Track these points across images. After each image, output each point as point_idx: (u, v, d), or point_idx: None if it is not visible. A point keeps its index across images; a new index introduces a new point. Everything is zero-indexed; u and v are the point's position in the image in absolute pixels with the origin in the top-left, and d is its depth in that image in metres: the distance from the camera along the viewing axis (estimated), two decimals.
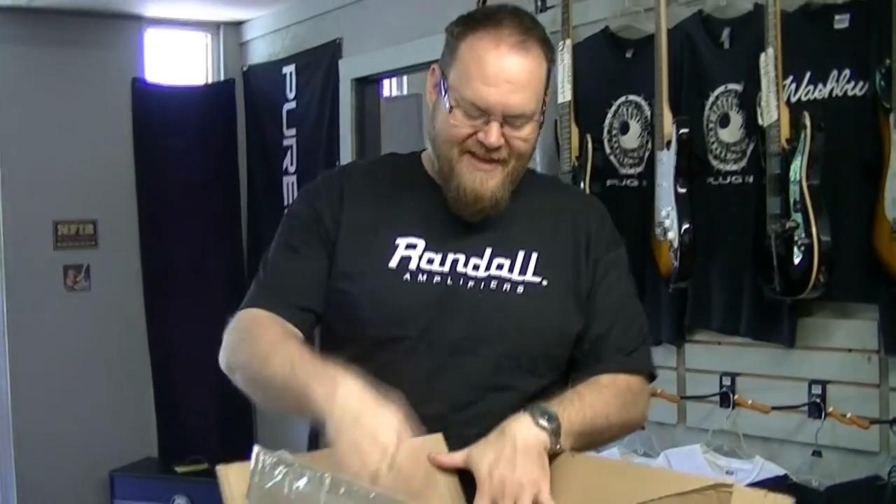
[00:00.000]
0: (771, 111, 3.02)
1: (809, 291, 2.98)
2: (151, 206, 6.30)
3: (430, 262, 2.09)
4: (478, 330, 2.07)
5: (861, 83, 3.01)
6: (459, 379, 2.06)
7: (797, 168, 2.96)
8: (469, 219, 2.10)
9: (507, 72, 1.99)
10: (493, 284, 2.09)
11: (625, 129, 3.77)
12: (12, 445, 5.84)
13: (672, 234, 3.36)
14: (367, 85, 5.62)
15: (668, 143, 3.39)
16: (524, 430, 1.89)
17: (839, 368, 3.17)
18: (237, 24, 6.61)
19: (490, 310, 2.08)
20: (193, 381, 6.33)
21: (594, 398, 2.02)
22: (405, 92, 7.04)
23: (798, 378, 3.26)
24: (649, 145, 3.62)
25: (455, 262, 2.09)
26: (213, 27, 6.63)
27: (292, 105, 6.04)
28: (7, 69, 5.86)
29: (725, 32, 3.44)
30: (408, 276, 2.08)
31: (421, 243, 2.10)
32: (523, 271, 2.11)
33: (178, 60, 6.67)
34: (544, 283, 2.12)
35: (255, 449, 1.67)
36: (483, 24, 2.03)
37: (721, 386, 3.48)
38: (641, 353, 2.22)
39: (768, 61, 3.02)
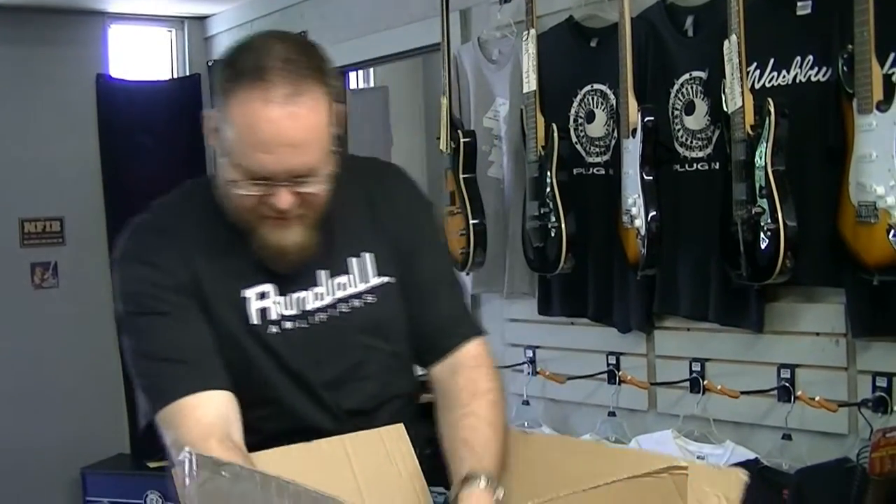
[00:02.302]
0: (735, 98, 3.03)
1: (776, 276, 3.00)
2: (118, 201, 6.26)
3: (281, 305, 2.00)
4: (352, 358, 2.04)
5: (824, 69, 3.03)
6: (351, 406, 2.04)
7: (762, 154, 2.97)
8: (282, 271, 1.98)
9: (282, 135, 1.82)
10: (345, 308, 2.04)
11: (590, 117, 3.78)
12: None
13: (639, 222, 3.37)
14: None
15: (634, 131, 3.39)
16: None
17: (807, 352, 3.19)
18: (201, 19, 6.58)
19: (354, 333, 2.04)
20: None
21: (500, 425, 1.98)
22: (372, 84, 7.03)
23: (767, 363, 3.28)
24: (615, 134, 3.63)
25: (300, 300, 2.02)
26: (178, 22, 6.61)
27: None
28: None
29: (689, 20, 3.45)
30: (275, 328, 1.99)
31: (269, 289, 2.00)
32: (365, 278, 2.06)
33: (142, 56, 6.64)
34: (392, 280, 2.08)
35: (186, 450, 1.68)
36: (249, 79, 1.82)
37: (691, 372, 3.49)
38: (471, 318, 2.20)
39: (732, 48, 3.03)
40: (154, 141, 6.37)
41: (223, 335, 1.97)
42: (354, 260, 2.06)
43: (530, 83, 3.74)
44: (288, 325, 2.00)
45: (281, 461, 1.83)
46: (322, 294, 2.03)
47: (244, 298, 1.98)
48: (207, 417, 1.87)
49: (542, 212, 3.71)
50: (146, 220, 2.07)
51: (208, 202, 2.04)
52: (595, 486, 1.39)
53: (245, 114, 1.82)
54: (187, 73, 6.60)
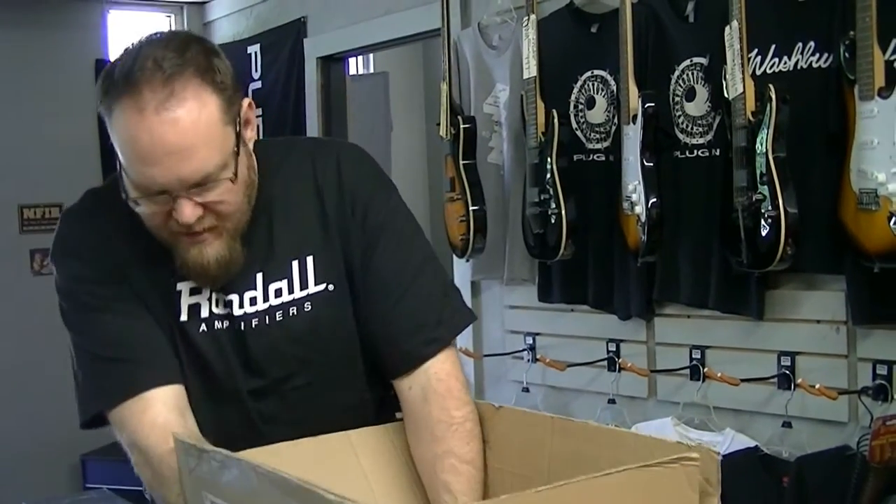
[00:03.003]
0: (736, 84, 3.02)
1: (777, 263, 2.99)
2: None
3: (213, 302, 1.90)
4: (283, 370, 1.94)
5: (825, 55, 3.01)
6: (275, 416, 1.96)
7: (763, 140, 2.96)
8: (206, 287, 1.88)
9: (162, 143, 1.67)
10: (279, 315, 1.91)
11: (591, 103, 3.77)
12: None
13: (639, 208, 3.37)
14: (333, 63, 5.60)
15: (635, 117, 3.38)
16: None
17: (808, 340, 3.18)
18: (200, 4, 6.57)
19: (287, 344, 1.92)
20: None
21: (479, 460, 1.87)
22: (371, 70, 7.02)
23: (767, 350, 3.27)
24: (615, 120, 3.62)
25: (230, 303, 1.89)
26: (177, 7, 6.59)
27: (258, 84, 6.01)
28: None
29: (690, 6, 3.43)
30: (204, 326, 1.90)
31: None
32: (304, 285, 1.92)
33: None
34: (330, 287, 1.93)
35: (173, 438, 1.67)
36: (123, 91, 1.69)
37: (691, 359, 3.48)
38: (441, 316, 1.95)
39: (733, 34, 3.02)
40: None
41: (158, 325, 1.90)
42: (296, 263, 1.92)
43: (530, 69, 3.73)
44: (217, 324, 1.90)
45: (289, 455, 1.78)
46: (255, 299, 1.90)
47: (178, 292, 1.89)
48: (161, 417, 1.83)
49: (542, 198, 3.70)
50: (75, 207, 1.99)
51: None
52: (606, 472, 1.36)
53: (123, 128, 1.70)
54: None
